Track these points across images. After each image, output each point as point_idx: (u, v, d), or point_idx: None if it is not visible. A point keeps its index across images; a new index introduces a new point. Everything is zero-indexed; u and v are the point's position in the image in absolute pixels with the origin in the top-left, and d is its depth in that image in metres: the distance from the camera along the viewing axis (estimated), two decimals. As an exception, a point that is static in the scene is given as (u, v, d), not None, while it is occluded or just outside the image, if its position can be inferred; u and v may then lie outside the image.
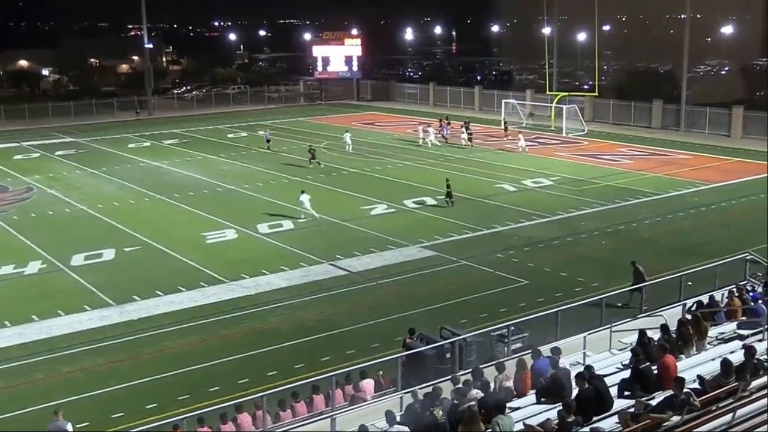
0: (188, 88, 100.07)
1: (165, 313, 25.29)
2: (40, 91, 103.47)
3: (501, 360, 16.31)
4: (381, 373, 17.91)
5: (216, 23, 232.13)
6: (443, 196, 37.86)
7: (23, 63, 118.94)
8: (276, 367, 21.01)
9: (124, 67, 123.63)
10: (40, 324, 24.54)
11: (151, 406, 19.26)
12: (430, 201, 38.93)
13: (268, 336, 23.51)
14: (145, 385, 20.51)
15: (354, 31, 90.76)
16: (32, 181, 46.22)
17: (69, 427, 16.10)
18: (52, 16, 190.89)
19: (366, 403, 16.09)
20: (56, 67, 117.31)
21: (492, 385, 14.66)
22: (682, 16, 66.19)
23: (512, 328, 19.12)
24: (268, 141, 55.32)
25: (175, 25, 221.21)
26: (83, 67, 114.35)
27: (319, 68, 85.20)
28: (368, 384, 16.98)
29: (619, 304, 22.80)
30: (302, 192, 36.46)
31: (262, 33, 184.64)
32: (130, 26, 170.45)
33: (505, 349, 18.70)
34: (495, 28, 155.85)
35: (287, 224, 35.35)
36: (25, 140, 62.26)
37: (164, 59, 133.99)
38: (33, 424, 18.15)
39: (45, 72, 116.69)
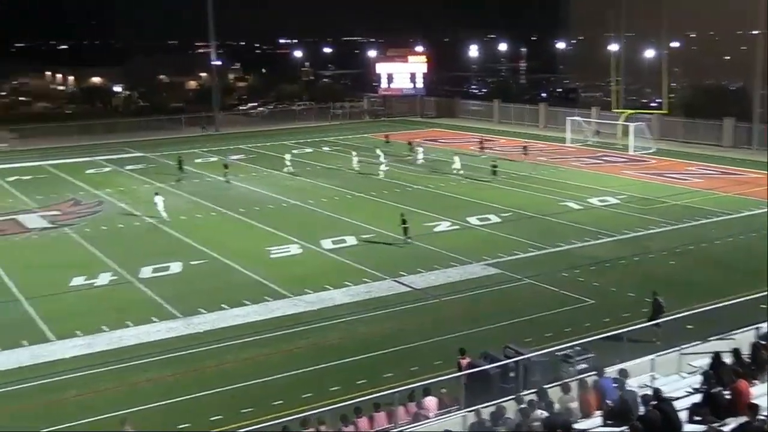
0: (255, 104, 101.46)
1: (230, 327, 25.62)
2: (112, 107, 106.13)
3: (566, 380, 16.07)
4: (444, 390, 17.76)
5: (282, 40, 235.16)
6: (401, 234, 34.77)
7: (96, 80, 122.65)
8: (338, 383, 21.07)
9: (192, 84, 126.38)
10: (110, 335, 25.10)
11: (215, 417, 19.50)
12: (494, 218, 38.69)
13: (330, 351, 23.58)
14: (210, 397, 20.75)
15: (418, 48, 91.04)
16: (103, 195, 47.40)
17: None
18: (124, 34, 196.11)
19: (429, 420, 15.98)
20: (127, 83, 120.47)
21: (557, 405, 14.46)
22: (755, 32, 64.65)
23: (577, 348, 18.84)
24: (226, 167, 51.82)
25: (243, 43, 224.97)
26: (153, 83, 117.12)
27: (384, 85, 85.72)
28: (431, 401, 16.87)
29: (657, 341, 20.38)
30: (156, 194, 39.51)
31: (327, 50, 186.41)
32: (198, 44, 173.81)
33: (570, 369, 18.40)
34: (561, 45, 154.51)
35: (351, 240, 35.50)
36: (96, 155, 63.95)
37: (231, 76, 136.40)
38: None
39: (116, 88, 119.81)
